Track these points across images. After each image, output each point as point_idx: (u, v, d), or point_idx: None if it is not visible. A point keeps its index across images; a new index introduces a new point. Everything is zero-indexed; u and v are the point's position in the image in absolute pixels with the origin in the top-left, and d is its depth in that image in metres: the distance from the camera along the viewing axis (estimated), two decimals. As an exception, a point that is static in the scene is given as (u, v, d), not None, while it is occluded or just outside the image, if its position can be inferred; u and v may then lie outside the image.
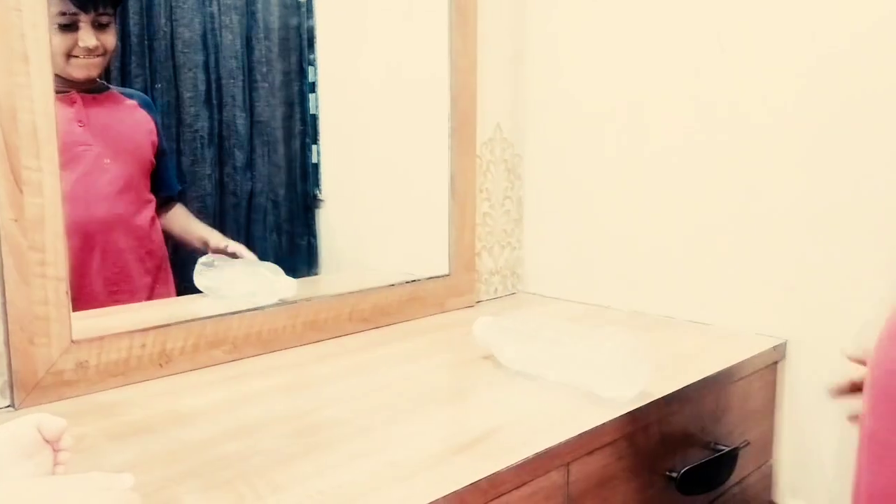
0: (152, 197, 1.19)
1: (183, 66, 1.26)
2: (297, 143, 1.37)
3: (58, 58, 1.04)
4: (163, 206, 1.21)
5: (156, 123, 1.21)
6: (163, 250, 1.21)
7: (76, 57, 1.07)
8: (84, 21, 1.07)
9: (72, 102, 1.09)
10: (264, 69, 1.33)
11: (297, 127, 1.37)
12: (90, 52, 1.08)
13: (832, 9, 1.00)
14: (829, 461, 1.06)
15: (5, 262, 0.77)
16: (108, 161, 1.13)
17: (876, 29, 0.97)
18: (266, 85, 1.34)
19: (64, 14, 1.04)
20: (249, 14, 1.31)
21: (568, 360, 0.86)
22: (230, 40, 1.31)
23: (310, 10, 1.34)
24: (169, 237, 1.22)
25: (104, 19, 1.10)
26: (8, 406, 0.80)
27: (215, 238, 1.24)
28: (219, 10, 1.29)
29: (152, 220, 1.19)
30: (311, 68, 1.35)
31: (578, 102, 1.29)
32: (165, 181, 1.22)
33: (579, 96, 1.29)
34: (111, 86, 1.17)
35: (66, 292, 0.81)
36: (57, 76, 0.82)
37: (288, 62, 1.35)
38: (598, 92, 1.26)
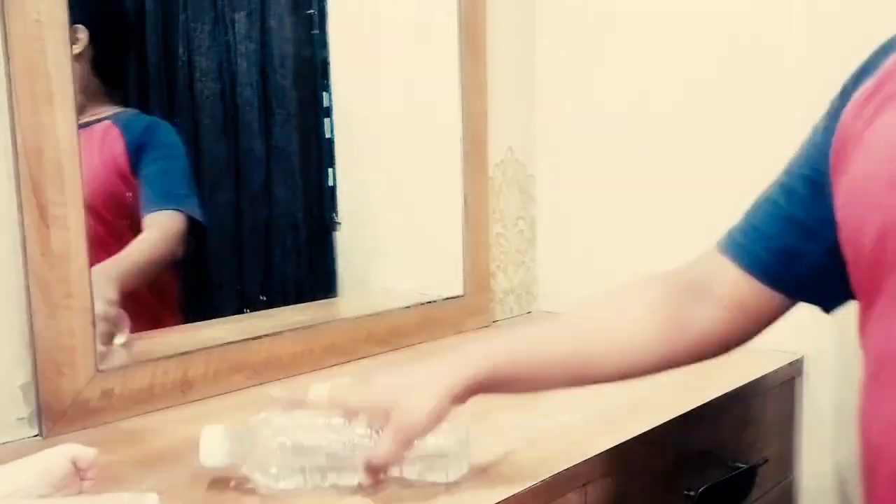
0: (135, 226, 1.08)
1: (201, 94, 1.29)
2: (313, 168, 1.39)
3: None
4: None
5: (126, 141, 1.09)
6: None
7: None
8: None
9: None
10: (280, 96, 1.36)
11: (313, 152, 1.39)
12: None
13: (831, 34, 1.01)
14: (849, 478, 1.05)
15: (33, 296, 0.79)
16: None
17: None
18: (282, 111, 1.36)
19: None
20: (265, 43, 1.34)
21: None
22: (246, 69, 1.33)
23: (324, 39, 1.36)
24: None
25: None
26: (36, 435, 0.82)
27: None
28: (235, 39, 1.32)
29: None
30: (325, 94, 1.37)
31: (589, 121, 1.30)
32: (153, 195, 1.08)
33: (590, 115, 1.30)
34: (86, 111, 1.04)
35: (92, 322, 0.83)
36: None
37: (303, 89, 1.37)
38: (607, 110, 1.28)
